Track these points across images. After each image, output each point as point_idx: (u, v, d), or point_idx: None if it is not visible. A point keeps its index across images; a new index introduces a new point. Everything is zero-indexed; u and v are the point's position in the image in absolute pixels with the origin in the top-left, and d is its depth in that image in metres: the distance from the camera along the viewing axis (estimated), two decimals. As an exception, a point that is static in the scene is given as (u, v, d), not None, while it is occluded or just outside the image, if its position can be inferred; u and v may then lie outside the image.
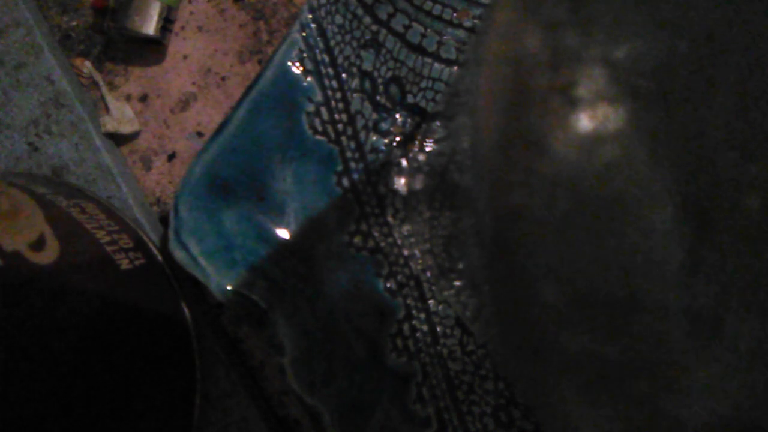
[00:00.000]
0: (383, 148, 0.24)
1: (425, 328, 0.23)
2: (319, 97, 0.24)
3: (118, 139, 0.27)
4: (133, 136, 0.27)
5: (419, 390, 0.23)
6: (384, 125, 0.24)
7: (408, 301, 0.24)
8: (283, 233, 0.24)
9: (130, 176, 0.26)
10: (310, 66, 0.24)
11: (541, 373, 0.13)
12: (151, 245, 0.24)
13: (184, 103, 0.27)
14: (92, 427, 0.18)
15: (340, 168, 0.24)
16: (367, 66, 0.24)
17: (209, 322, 0.25)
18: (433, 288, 0.24)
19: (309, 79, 0.24)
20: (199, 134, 0.27)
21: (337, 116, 0.24)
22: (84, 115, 0.26)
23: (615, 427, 0.13)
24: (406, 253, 0.24)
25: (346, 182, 0.24)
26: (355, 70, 0.24)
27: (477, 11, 0.24)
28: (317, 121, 0.24)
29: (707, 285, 0.12)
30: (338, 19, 0.24)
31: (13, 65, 0.26)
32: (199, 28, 0.27)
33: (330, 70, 0.24)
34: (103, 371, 0.19)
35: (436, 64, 0.24)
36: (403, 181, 0.24)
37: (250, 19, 0.27)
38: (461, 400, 0.23)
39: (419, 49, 0.24)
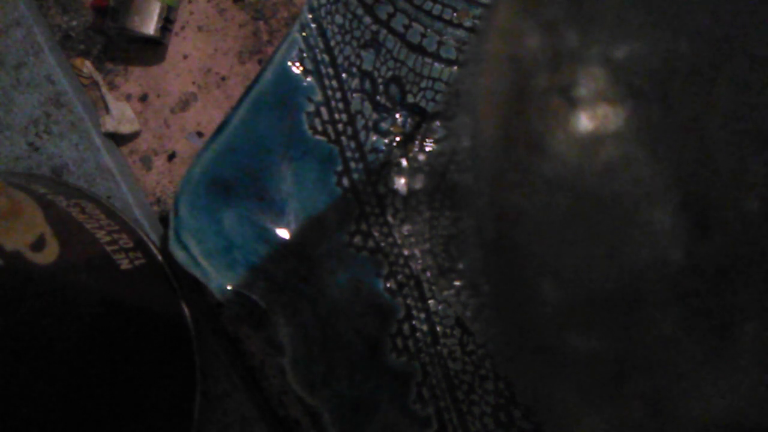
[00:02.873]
0: (383, 148, 0.24)
1: (425, 328, 0.23)
2: (319, 97, 0.24)
3: (118, 139, 0.27)
4: (133, 136, 0.27)
5: (419, 390, 0.23)
6: (384, 125, 0.24)
7: (408, 301, 0.24)
8: (283, 233, 0.24)
9: (130, 176, 0.26)
10: (310, 66, 0.24)
11: (541, 373, 0.13)
12: (151, 245, 0.24)
13: (184, 103, 0.27)
14: (92, 426, 0.18)
15: (340, 168, 0.24)
16: (367, 66, 0.24)
17: (209, 322, 0.25)
18: (433, 288, 0.24)
19: (309, 79, 0.24)
20: (199, 134, 0.27)
21: (337, 116, 0.24)
22: (84, 115, 0.26)
23: (615, 428, 0.13)
24: (406, 253, 0.24)
25: (346, 182, 0.24)
26: (355, 70, 0.24)
27: (477, 11, 0.24)
28: (317, 121, 0.24)
29: (707, 285, 0.12)
30: (338, 19, 0.24)
31: (13, 65, 0.26)
32: (199, 28, 0.27)
33: (330, 70, 0.24)
34: (103, 371, 0.19)
35: (436, 64, 0.24)
36: (403, 181, 0.24)
37: (250, 19, 0.27)
38: (461, 400, 0.23)
39: (419, 49, 0.24)
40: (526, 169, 0.12)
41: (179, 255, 0.22)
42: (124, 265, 0.22)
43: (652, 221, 0.12)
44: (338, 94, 0.24)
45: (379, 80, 0.24)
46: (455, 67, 0.24)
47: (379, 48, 0.24)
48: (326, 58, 0.24)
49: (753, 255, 0.12)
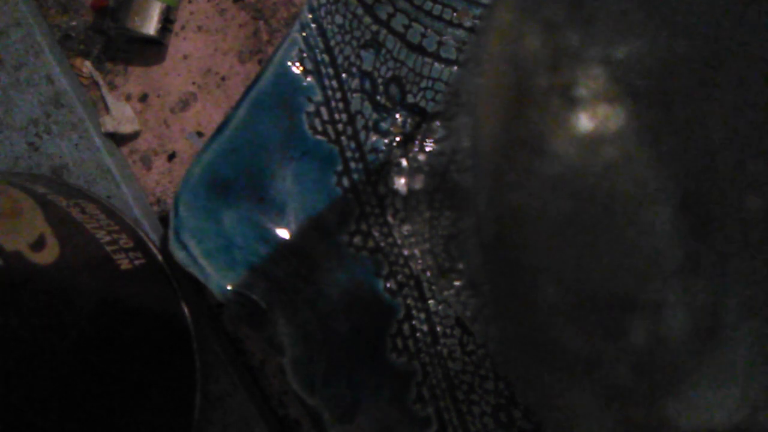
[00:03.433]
0: (383, 148, 0.24)
1: (425, 328, 0.23)
2: (319, 97, 0.24)
3: (118, 139, 0.27)
4: (133, 136, 0.27)
5: (419, 390, 0.23)
6: (384, 125, 0.24)
7: (408, 301, 0.24)
8: (283, 233, 0.24)
9: (130, 176, 0.26)
10: (310, 66, 0.24)
11: (541, 373, 0.13)
12: (151, 245, 0.24)
13: (184, 103, 0.27)
14: (92, 427, 0.18)
15: (340, 168, 0.24)
16: (367, 66, 0.24)
17: (209, 322, 0.25)
18: (433, 288, 0.24)
19: (309, 79, 0.24)
20: (199, 134, 0.27)
21: (337, 116, 0.24)
22: (84, 115, 0.26)
23: (615, 428, 0.13)
24: (406, 253, 0.24)
25: (346, 182, 0.24)
26: (355, 70, 0.24)
27: (477, 11, 0.24)
28: (317, 121, 0.24)
29: (707, 285, 0.12)
30: (338, 19, 0.24)
31: (13, 65, 0.26)
32: (199, 28, 0.27)
33: (330, 70, 0.24)
34: (103, 371, 0.19)
35: (436, 64, 0.24)
36: (403, 181, 0.24)
37: (250, 19, 0.27)
38: (461, 400, 0.23)
39: (419, 49, 0.24)
40: (526, 169, 0.12)
41: (179, 255, 0.22)
42: (124, 265, 0.22)
43: (652, 221, 0.12)
44: (338, 94, 0.24)
45: (379, 80, 0.24)
46: (455, 67, 0.24)
47: (379, 48, 0.24)
48: (326, 58, 0.24)
49: (753, 255, 0.12)
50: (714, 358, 0.12)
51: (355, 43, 0.24)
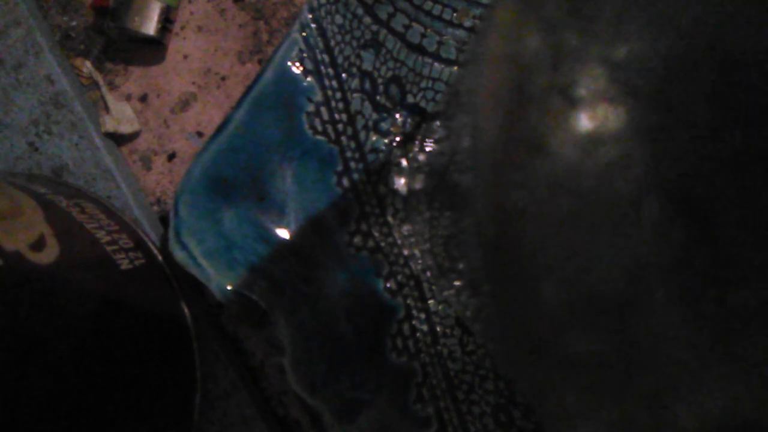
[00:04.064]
0: (383, 148, 0.24)
1: (425, 328, 0.23)
2: (319, 97, 0.24)
3: (118, 139, 0.27)
4: (133, 136, 0.27)
5: (419, 390, 0.23)
6: (384, 125, 0.24)
7: (408, 301, 0.24)
8: (283, 233, 0.24)
9: (130, 176, 0.26)
10: (310, 66, 0.24)
11: (541, 373, 0.13)
12: (151, 245, 0.24)
13: (184, 103, 0.27)
14: (92, 427, 0.18)
15: (340, 168, 0.24)
16: (367, 66, 0.24)
17: (209, 322, 0.25)
18: (433, 288, 0.24)
19: (309, 79, 0.24)
20: (199, 134, 0.27)
21: (337, 116, 0.24)
22: (84, 115, 0.26)
23: (615, 428, 0.13)
24: (406, 253, 0.24)
25: (346, 182, 0.24)
26: (355, 70, 0.24)
27: (477, 11, 0.24)
28: (317, 121, 0.24)
29: (707, 285, 0.12)
30: (338, 19, 0.24)
31: (13, 65, 0.26)
32: (199, 28, 0.27)
33: (330, 70, 0.24)
34: (103, 371, 0.19)
35: (436, 64, 0.24)
36: (403, 181, 0.24)
37: (250, 19, 0.27)
38: (461, 400, 0.23)
39: (419, 49, 0.24)
40: (526, 169, 0.12)
41: (179, 255, 0.22)
42: (124, 265, 0.22)
43: (652, 221, 0.12)
44: (338, 94, 0.24)
45: (379, 80, 0.24)
46: (455, 67, 0.24)
47: (379, 48, 0.24)
48: (326, 58, 0.24)
49: (753, 255, 0.12)
50: (715, 359, 0.12)
51: (355, 43, 0.24)
